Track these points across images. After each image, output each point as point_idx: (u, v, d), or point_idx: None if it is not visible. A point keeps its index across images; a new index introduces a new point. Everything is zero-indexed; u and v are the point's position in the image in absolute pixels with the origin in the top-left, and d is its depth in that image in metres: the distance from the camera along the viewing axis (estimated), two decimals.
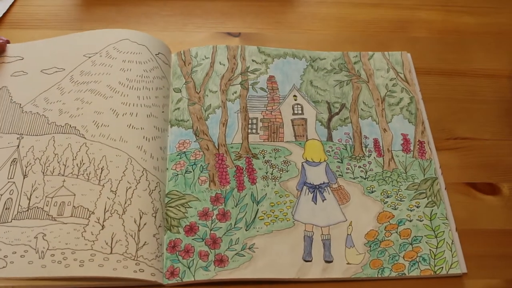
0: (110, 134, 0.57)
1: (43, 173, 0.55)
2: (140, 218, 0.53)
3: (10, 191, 0.54)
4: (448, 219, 0.57)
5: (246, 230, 0.55)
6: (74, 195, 0.54)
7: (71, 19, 0.72)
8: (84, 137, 0.57)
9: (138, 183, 0.55)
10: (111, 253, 0.51)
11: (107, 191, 0.54)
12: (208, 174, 0.59)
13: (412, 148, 0.62)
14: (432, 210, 0.57)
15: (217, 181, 0.58)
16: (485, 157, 0.63)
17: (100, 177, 0.55)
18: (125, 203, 0.53)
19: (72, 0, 0.74)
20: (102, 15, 0.73)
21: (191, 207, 0.56)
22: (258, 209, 0.57)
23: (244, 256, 0.54)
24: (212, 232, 0.55)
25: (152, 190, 0.56)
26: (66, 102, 0.60)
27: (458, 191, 0.60)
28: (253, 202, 0.57)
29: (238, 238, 0.55)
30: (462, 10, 0.77)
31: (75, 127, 0.58)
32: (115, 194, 0.54)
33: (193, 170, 0.59)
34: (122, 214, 0.53)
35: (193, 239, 0.54)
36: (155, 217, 0.54)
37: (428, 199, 0.58)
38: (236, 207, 0.57)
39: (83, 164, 0.55)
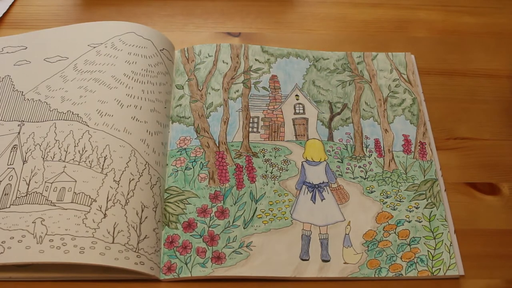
0: (114, 124, 0.57)
1: (43, 158, 0.55)
2: (142, 211, 0.53)
3: (10, 177, 0.54)
4: (447, 221, 0.56)
5: (244, 228, 0.55)
6: (75, 181, 0.53)
7: (71, 19, 0.73)
8: (87, 125, 0.57)
9: (140, 176, 0.55)
10: (113, 242, 0.50)
11: (110, 180, 0.54)
12: (208, 171, 0.59)
13: (413, 149, 0.62)
14: (431, 211, 0.57)
15: (216, 178, 0.58)
16: (485, 157, 0.62)
17: (103, 165, 0.54)
18: (128, 194, 0.53)
19: (72, 0, 0.75)
20: (102, 15, 0.73)
21: (190, 204, 0.56)
22: (256, 208, 0.57)
23: (241, 254, 0.54)
24: (210, 229, 0.55)
25: (153, 185, 0.56)
26: (68, 90, 0.60)
27: (458, 191, 0.59)
28: (252, 201, 0.57)
29: (236, 236, 0.55)
30: (462, 10, 0.77)
31: (78, 114, 0.58)
32: (118, 184, 0.54)
33: (193, 167, 0.59)
34: (125, 205, 0.53)
35: (191, 235, 0.54)
36: (155, 211, 0.54)
37: (427, 200, 0.58)
38: (234, 205, 0.57)
39: (86, 151, 0.55)
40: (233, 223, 0.55)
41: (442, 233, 0.56)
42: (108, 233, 0.51)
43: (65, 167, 0.54)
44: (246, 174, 0.59)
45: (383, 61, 0.69)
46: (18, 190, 0.53)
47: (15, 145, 0.56)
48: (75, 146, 0.56)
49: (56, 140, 0.56)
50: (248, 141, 0.62)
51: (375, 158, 0.61)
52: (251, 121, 0.63)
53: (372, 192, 0.58)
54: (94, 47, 0.64)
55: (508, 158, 0.62)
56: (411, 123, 0.64)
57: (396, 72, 0.68)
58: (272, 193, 0.58)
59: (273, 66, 0.68)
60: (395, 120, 0.64)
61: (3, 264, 0.49)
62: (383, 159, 0.61)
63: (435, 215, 0.57)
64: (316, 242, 0.55)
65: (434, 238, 0.55)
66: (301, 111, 0.65)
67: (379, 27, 0.75)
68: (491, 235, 0.56)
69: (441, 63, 0.71)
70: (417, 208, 0.57)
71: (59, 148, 0.56)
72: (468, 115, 0.66)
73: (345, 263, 0.54)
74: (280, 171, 0.59)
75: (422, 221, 0.56)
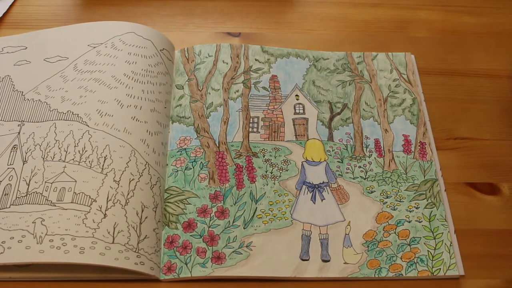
0: (114, 124, 0.57)
1: (43, 158, 0.55)
2: (142, 211, 0.53)
3: (10, 177, 0.54)
4: (447, 221, 0.56)
5: (244, 228, 0.55)
6: (75, 181, 0.53)
7: (71, 19, 0.73)
8: (87, 125, 0.57)
9: (140, 176, 0.55)
10: (113, 242, 0.50)
11: (110, 180, 0.54)
12: (208, 171, 0.59)
13: (413, 149, 0.62)
14: (432, 211, 0.57)
15: (216, 178, 0.58)
16: (485, 157, 0.62)
17: (103, 165, 0.54)
18: (128, 194, 0.53)
19: (72, 0, 0.75)
20: (102, 15, 0.73)
21: (190, 204, 0.56)
22: (256, 208, 0.57)
23: (241, 254, 0.54)
24: (210, 229, 0.55)
25: (153, 185, 0.56)
26: (68, 90, 0.60)
27: (458, 191, 0.59)
28: (252, 201, 0.57)
29: (236, 236, 0.55)
30: (462, 10, 0.77)
31: (78, 114, 0.58)
32: (118, 184, 0.54)
33: (193, 167, 0.59)
34: (125, 205, 0.53)
35: (191, 235, 0.54)
36: (155, 211, 0.54)
37: (427, 201, 0.58)
38: (234, 205, 0.57)
39: (86, 151, 0.55)
40: (233, 223, 0.55)
41: (442, 233, 0.56)
42: (108, 233, 0.51)
43: (65, 167, 0.54)
44: (246, 174, 0.59)
45: (383, 61, 0.69)
46: (18, 190, 0.53)
47: (15, 145, 0.56)
48: (75, 146, 0.56)
49: (56, 140, 0.56)
50: (248, 141, 0.62)
51: (375, 158, 0.61)
52: (251, 121, 0.63)
53: (372, 192, 0.58)
54: (94, 47, 0.64)
55: (508, 158, 0.62)
56: (411, 123, 0.64)
57: (396, 72, 0.68)
58: (272, 193, 0.58)
59: (273, 66, 0.68)
60: (395, 120, 0.64)
61: (3, 264, 0.49)
62: (383, 159, 0.61)
63: (435, 215, 0.57)
64: (316, 242, 0.55)
65: (434, 238, 0.55)
66: (301, 111, 0.65)
67: (379, 27, 0.75)
68: (491, 235, 0.56)
69: (441, 63, 0.71)
70: (417, 208, 0.57)
71: (59, 148, 0.56)
72: (468, 115, 0.66)
73: (345, 263, 0.54)
74: (280, 171, 0.59)
75: (422, 221, 0.56)
